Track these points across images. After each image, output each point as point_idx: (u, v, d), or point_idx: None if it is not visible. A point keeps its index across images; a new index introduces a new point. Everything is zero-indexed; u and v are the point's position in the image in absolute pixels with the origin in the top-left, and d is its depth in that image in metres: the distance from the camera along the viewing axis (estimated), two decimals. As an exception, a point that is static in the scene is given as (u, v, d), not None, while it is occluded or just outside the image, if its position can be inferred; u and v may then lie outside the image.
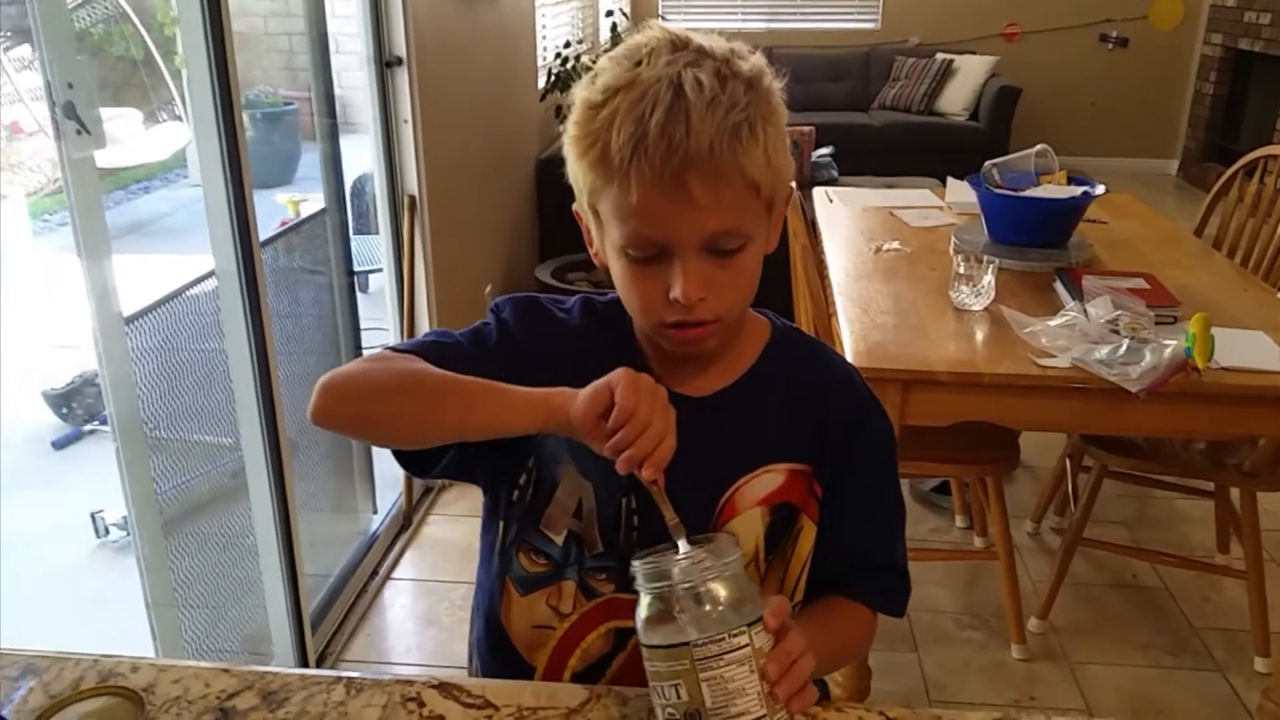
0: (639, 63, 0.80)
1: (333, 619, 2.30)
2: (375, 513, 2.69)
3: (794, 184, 0.90)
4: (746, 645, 0.73)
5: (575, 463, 0.92)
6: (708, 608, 0.74)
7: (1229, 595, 2.39)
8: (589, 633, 0.94)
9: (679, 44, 0.81)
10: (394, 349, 0.91)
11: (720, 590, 0.75)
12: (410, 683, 0.83)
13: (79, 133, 1.42)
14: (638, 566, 0.77)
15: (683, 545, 0.78)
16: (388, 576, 2.51)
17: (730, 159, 0.78)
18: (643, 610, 0.76)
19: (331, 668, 2.18)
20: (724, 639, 0.73)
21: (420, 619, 2.40)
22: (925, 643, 2.25)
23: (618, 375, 0.79)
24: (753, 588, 0.77)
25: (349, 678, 0.81)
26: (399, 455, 0.94)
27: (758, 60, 0.83)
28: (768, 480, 0.93)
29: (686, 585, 0.74)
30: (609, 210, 0.83)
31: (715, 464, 0.92)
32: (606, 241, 0.86)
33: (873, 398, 0.98)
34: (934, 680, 2.14)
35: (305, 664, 2.12)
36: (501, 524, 0.96)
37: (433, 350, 0.90)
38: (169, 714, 0.79)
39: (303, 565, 2.10)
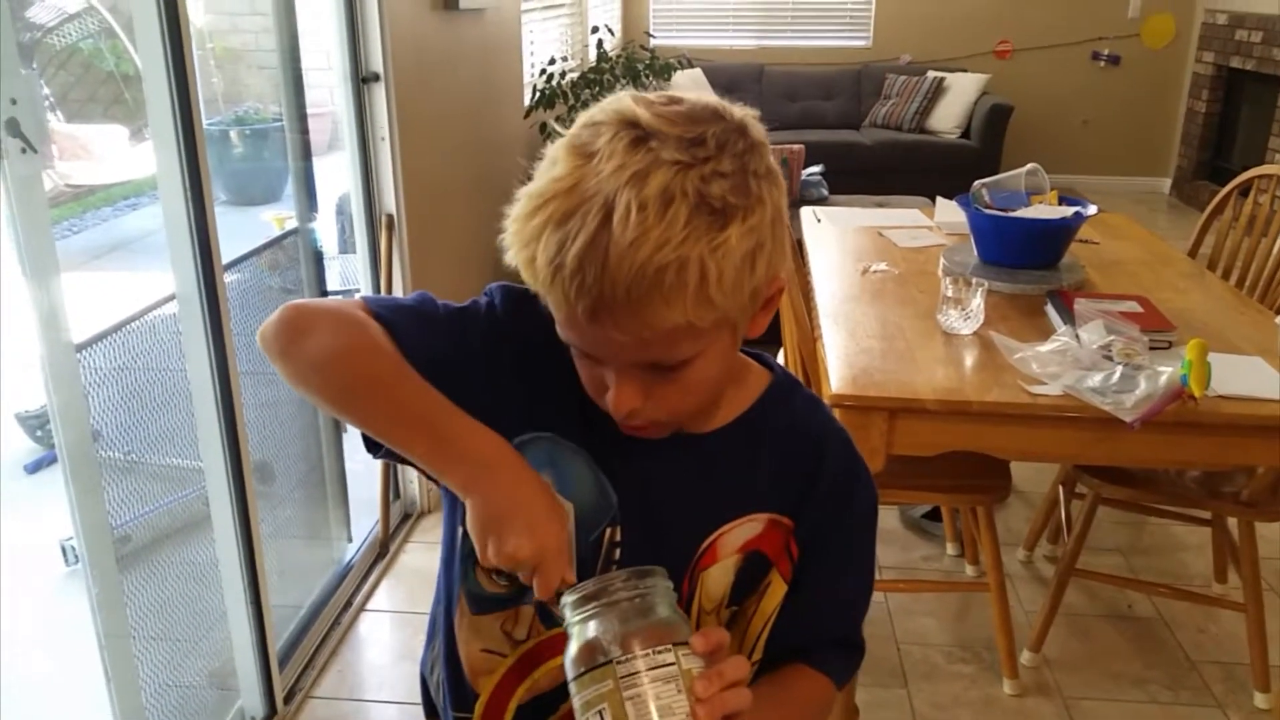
0: (591, 156, 0.69)
1: (303, 653, 2.22)
2: (350, 541, 2.61)
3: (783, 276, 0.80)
4: (673, 664, 0.68)
5: (557, 481, 0.83)
6: (632, 626, 0.70)
7: (1227, 627, 2.33)
8: (542, 664, 0.87)
9: (639, 139, 0.68)
10: (372, 310, 0.82)
11: (645, 610, 0.71)
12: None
13: (24, 151, 1.36)
14: (565, 601, 0.73)
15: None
16: (362, 608, 2.43)
17: (646, 304, 0.68)
18: (571, 648, 0.72)
19: (300, 705, 2.11)
20: (648, 654, 0.68)
21: (395, 653, 2.33)
22: (915, 677, 2.17)
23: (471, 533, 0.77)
24: (684, 618, 0.73)
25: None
26: None
27: (730, 166, 0.69)
28: (749, 528, 0.86)
29: (609, 602, 0.70)
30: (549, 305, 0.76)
31: (705, 505, 0.86)
32: None
33: (865, 466, 0.91)
34: (924, 717, 2.07)
35: (272, 701, 2.05)
36: (462, 529, 0.87)
37: (410, 320, 0.83)
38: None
39: (269, 596, 2.03)
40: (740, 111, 0.73)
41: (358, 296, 0.86)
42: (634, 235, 0.66)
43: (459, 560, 0.89)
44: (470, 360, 0.83)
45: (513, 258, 0.73)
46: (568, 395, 0.83)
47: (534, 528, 0.75)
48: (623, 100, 0.72)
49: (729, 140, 0.70)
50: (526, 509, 0.76)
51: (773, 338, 2.34)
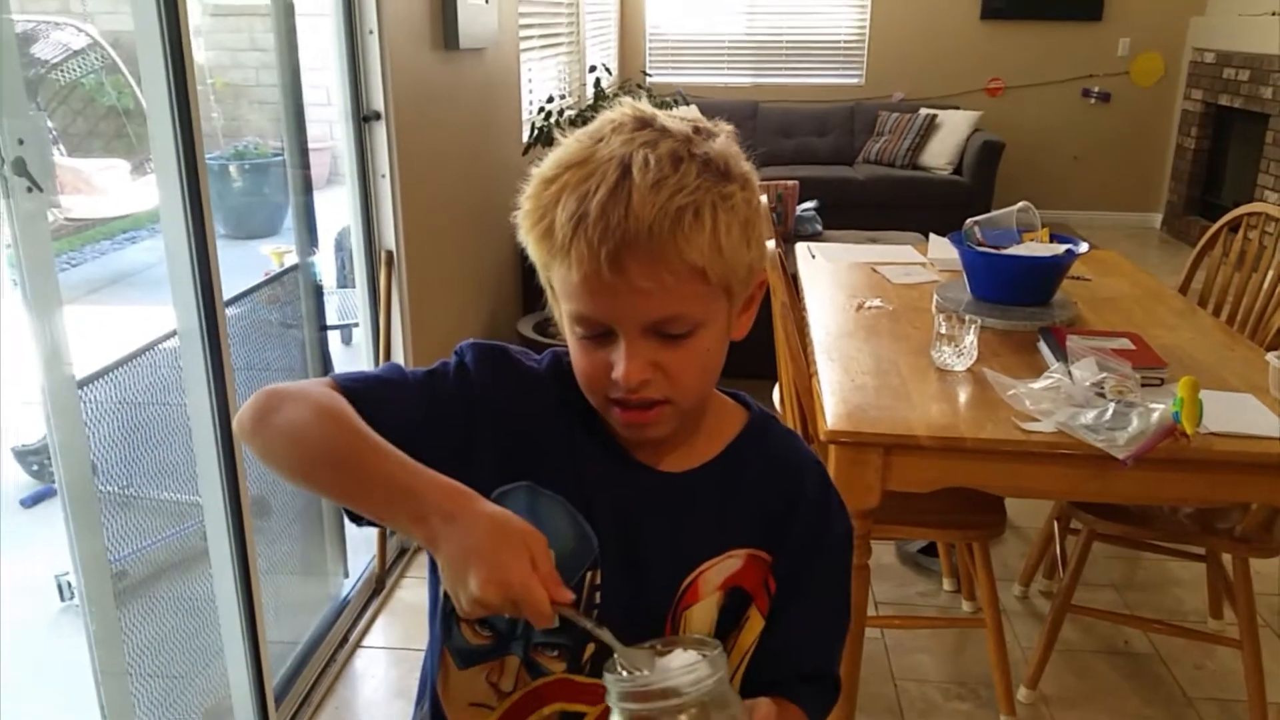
0: (599, 140, 0.78)
1: (299, 690, 2.21)
2: (346, 576, 2.61)
3: (766, 269, 0.85)
4: None
5: (536, 528, 0.83)
6: None
7: (1224, 663, 2.33)
8: (530, 715, 0.88)
9: (643, 122, 0.78)
10: (340, 386, 0.83)
11: (717, 702, 0.68)
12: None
13: (29, 190, 1.37)
14: (613, 681, 0.69)
15: (625, 662, 0.71)
16: (358, 644, 2.42)
17: (669, 242, 0.74)
18: None
19: (294, 741, 2.10)
20: None
21: (390, 690, 2.32)
22: (912, 714, 2.17)
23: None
24: (739, 700, 0.71)
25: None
26: None
27: (723, 143, 0.79)
28: (729, 564, 0.87)
29: (683, 702, 0.67)
30: (558, 285, 0.80)
31: (684, 544, 0.87)
32: (562, 314, 0.83)
33: (839, 497, 0.93)
34: (921, 754, 2.06)
35: (267, 737, 2.04)
36: (441, 588, 0.88)
37: (378, 390, 0.84)
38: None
39: (266, 633, 2.02)
40: (721, 126, 0.82)
41: (328, 375, 0.86)
42: (654, 179, 0.74)
43: (441, 619, 0.90)
44: (442, 421, 0.84)
45: (524, 235, 0.80)
46: (546, 440, 0.85)
47: (496, 565, 0.70)
48: (621, 102, 0.82)
49: (717, 135, 0.81)
50: (486, 549, 0.71)
51: (768, 373, 2.36)
